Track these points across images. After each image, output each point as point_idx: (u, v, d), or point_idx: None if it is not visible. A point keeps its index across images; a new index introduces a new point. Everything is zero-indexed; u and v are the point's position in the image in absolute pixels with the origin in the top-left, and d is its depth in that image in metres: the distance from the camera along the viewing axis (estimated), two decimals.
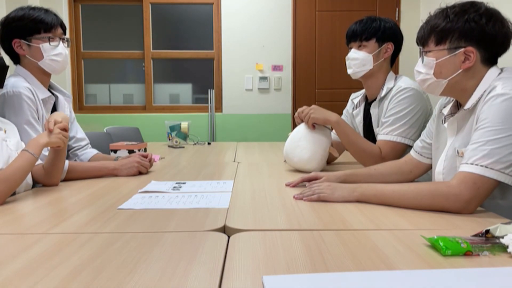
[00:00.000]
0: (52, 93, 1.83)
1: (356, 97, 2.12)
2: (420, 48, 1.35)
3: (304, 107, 1.86)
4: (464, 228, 1.03)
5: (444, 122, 1.36)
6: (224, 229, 1.05)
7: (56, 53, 1.75)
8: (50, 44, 1.73)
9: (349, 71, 1.96)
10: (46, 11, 1.75)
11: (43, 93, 1.76)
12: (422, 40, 1.33)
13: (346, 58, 1.96)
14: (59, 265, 0.80)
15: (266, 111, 4.55)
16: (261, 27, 4.50)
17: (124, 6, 4.64)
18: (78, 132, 1.99)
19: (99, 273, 0.76)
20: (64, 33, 1.81)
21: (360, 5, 4.46)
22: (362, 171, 1.57)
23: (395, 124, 1.81)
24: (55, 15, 1.77)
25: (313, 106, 1.83)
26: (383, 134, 1.84)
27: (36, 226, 1.07)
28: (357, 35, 1.90)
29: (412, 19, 4.44)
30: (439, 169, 1.35)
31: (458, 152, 1.27)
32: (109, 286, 0.71)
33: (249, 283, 0.73)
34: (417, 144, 1.54)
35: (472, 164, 1.13)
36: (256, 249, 0.89)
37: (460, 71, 1.25)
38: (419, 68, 1.35)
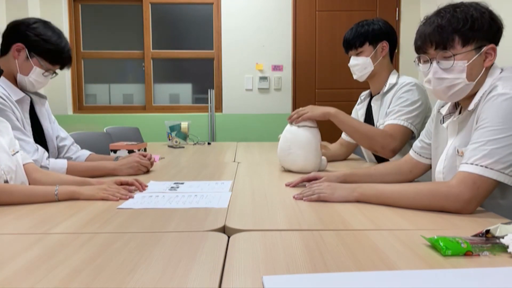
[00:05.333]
0: (27, 94, 1.81)
1: (364, 95, 2.24)
2: (428, 56, 1.27)
3: (300, 109, 1.89)
4: (464, 228, 1.03)
5: (443, 122, 1.36)
6: (224, 229, 1.05)
7: (40, 80, 1.76)
8: (43, 74, 1.75)
9: (355, 77, 2.09)
10: (68, 49, 1.77)
11: (17, 94, 1.73)
12: (441, 44, 1.23)
13: (349, 65, 2.06)
14: (59, 265, 0.80)
15: (266, 111, 4.55)
16: (261, 27, 4.49)
17: (124, 6, 4.63)
18: (60, 131, 1.98)
19: (99, 273, 0.76)
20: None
21: (360, 5, 4.46)
22: (362, 171, 1.57)
23: (402, 110, 1.89)
24: (70, 55, 1.78)
25: (309, 106, 1.88)
26: (390, 119, 1.91)
27: (36, 226, 1.07)
28: (351, 44, 2.03)
29: (412, 19, 4.44)
30: (439, 169, 1.35)
31: (458, 152, 1.27)
32: (109, 286, 0.71)
33: (249, 283, 0.73)
34: (416, 144, 1.54)
35: (472, 164, 1.13)
36: (256, 249, 0.89)
37: (483, 70, 1.25)
38: (440, 75, 1.25)
